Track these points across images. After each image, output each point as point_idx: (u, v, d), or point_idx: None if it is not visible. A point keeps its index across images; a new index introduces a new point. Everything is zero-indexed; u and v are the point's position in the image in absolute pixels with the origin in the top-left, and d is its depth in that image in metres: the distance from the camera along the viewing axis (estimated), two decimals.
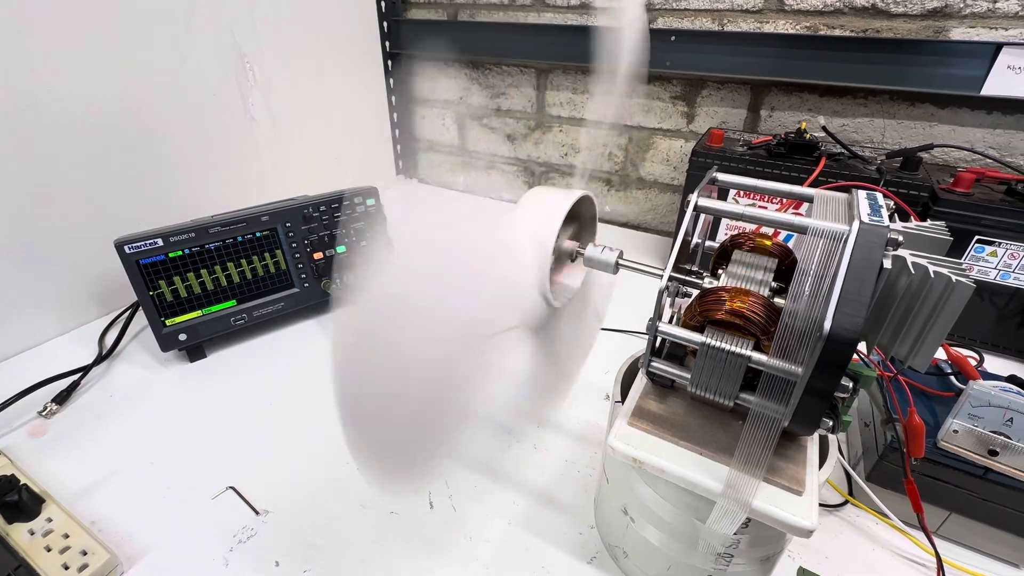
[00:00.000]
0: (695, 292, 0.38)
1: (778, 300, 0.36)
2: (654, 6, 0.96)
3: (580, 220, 0.45)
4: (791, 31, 0.88)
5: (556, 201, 0.39)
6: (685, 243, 0.37)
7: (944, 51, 0.76)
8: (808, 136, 0.79)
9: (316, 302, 0.80)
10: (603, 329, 0.75)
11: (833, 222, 0.31)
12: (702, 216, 0.41)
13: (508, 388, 0.43)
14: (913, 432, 0.46)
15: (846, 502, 0.53)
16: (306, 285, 0.78)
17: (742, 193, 0.80)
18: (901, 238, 0.29)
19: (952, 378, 0.54)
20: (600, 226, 0.45)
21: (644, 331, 0.38)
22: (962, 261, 0.69)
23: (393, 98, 1.28)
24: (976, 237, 0.68)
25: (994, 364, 0.66)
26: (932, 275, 0.30)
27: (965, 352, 0.55)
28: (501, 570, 0.46)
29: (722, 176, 0.40)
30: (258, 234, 0.73)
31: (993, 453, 0.45)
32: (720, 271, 0.39)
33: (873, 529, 0.51)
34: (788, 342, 0.30)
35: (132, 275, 0.65)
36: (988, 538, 0.48)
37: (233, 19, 0.87)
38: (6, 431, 0.60)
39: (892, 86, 0.82)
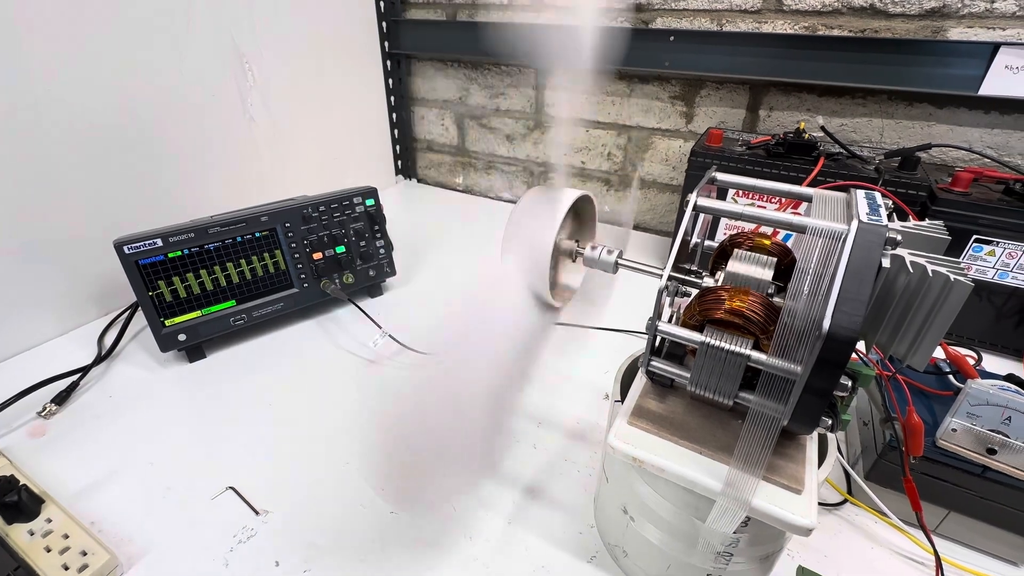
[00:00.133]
0: (694, 291, 0.38)
1: (777, 299, 0.36)
2: (653, 6, 0.96)
3: (580, 220, 0.45)
4: (789, 31, 0.88)
5: (556, 201, 0.39)
6: (684, 243, 0.37)
7: (942, 51, 0.76)
8: (807, 136, 0.79)
9: (316, 302, 0.80)
10: (603, 329, 0.75)
11: (832, 221, 0.31)
12: (701, 216, 0.41)
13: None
14: (912, 431, 0.46)
15: (845, 501, 0.53)
16: (305, 285, 0.78)
17: (741, 193, 0.80)
18: (899, 237, 0.30)
19: (950, 377, 0.54)
20: (600, 226, 0.45)
21: (644, 330, 0.38)
22: (960, 260, 0.69)
23: (392, 98, 1.28)
24: (974, 236, 0.68)
25: (992, 363, 0.66)
26: (930, 274, 0.30)
27: (963, 351, 0.56)
28: (501, 570, 0.47)
29: (721, 176, 0.40)
30: (257, 234, 0.73)
31: (991, 452, 0.45)
32: (719, 270, 0.39)
33: (872, 528, 0.51)
34: (787, 341, 0.30)
35: (131, 275, 0.65)
36: (987, 536, 0.48)
37: (232, 19, 0.87)
38: (5, 432, 0.60)
39: (890, 86, 0.82)
